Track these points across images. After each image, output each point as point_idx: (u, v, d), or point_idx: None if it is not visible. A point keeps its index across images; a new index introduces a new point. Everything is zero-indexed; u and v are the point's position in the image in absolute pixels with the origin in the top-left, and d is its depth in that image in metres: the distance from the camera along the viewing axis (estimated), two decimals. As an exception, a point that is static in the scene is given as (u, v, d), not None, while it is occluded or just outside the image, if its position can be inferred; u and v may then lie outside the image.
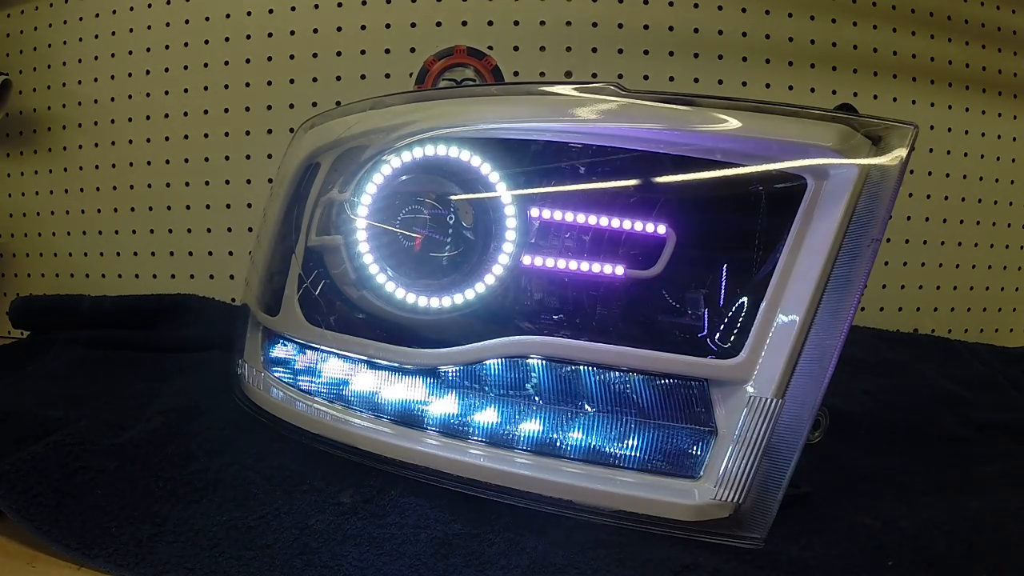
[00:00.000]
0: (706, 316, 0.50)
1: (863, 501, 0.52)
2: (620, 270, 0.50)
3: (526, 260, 0.51)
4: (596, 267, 0.51)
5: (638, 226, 0.51)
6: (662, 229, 0.50)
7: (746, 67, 0.87)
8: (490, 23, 0.84)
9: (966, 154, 0.94)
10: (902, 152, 0.44)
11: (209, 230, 0.91)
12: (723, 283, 0.50)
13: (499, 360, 0.51)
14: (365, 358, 0.55)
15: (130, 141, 0.91)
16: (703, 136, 0.46)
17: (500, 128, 0.51)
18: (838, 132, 0.44)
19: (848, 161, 0.45)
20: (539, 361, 0.50)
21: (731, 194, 0.50)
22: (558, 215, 0.51)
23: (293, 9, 0.86)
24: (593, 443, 0.49)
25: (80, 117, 0.92)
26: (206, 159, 0.91)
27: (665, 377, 0.48)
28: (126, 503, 0.46)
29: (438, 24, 0.84)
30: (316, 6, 0.85)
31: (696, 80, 0.85)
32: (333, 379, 0.57)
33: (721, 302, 0.50)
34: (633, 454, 0.49)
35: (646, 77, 0.84)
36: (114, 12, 0.90)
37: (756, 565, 0.43)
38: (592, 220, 0.51)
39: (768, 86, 0.87)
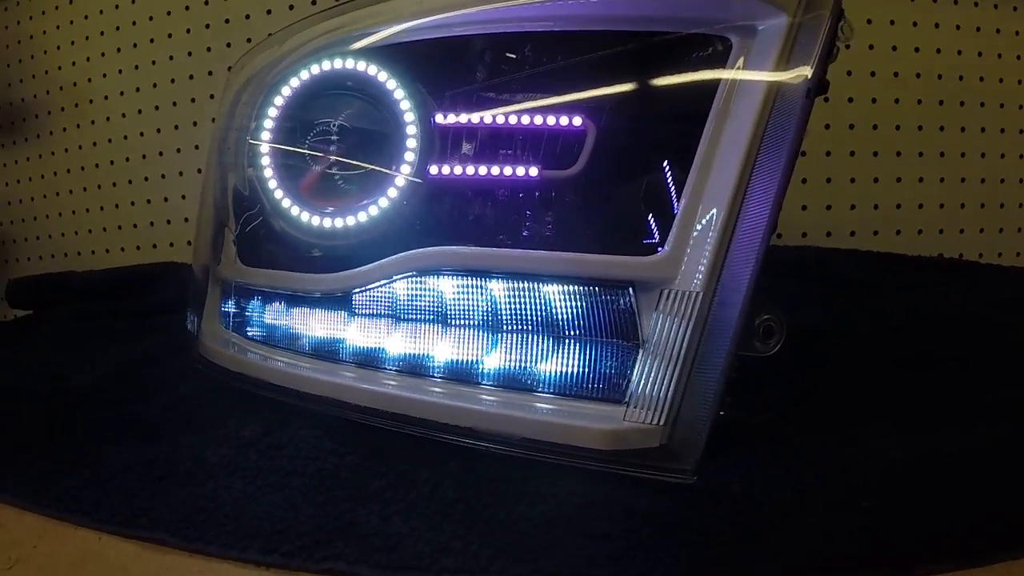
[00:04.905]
0: (632, 213, 0.44)
1: (840, 433, 0.43)
2: (534, 171, 0.45)
3: (433, 170, 0.47)
4: (508, 170, 0.46)
5: (551, 121, 0.45)
6: (578, 121, 0.45)
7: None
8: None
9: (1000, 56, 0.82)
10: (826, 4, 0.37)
11: (184, 196, 0.92)
12: (650, 175, 0.45)
13: (408, 281, 0.47)
14: (283, 291, 0.53)
15: (107, 118, 0.93)
16: (582, 4, 0.41)
17: (382, 31, 0.47)
18: None
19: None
20: (451, 281, 0.46)
21: (649, 72, 0.44)
22: (463, 119, 0.47)
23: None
24: (509, 366, 0.44)
25: (62, 101, 0.95)
26: (175, 127, 0.92)
27: (586, 284, 0.43)
28: (46, 441, 0.46)
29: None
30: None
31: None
32: (260, 318, 0.55)
33: (646, 196, 0.44)
34: (553, 377, 0.43)
35: None
36: (85, -6, 0.93)
37: (686, 503, 0.35)
38: (500, 120, 0.47)
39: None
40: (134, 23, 0.91)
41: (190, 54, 0.89)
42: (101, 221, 0.96)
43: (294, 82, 0.50)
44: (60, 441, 0.47)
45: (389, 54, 0.48)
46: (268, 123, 0.51)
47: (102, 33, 0.92)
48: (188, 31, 0.89)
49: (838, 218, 0.81)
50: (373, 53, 0.48)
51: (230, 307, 0.58)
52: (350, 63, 0.48)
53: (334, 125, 0.50)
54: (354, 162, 0.50)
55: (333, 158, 0.50)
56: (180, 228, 0.93)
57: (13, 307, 0.91)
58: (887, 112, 0.81)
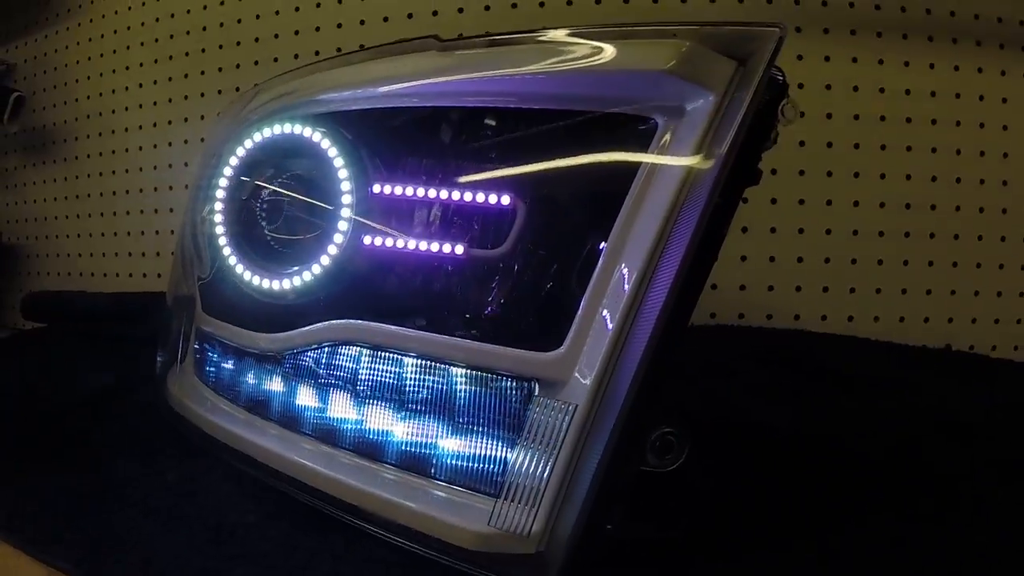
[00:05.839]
0: (551, 302, 0.42)
1: (750, 565, 0.39)
2: (460, 249, 0.44)
3: (367, 240, 0.47)
4: (435, 246, 0.45)
5: (480, 198, 0.44)
6: (507, 200, 0.43)
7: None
8: (435, 13, 0.81)
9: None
10: (753, 84, 0.34)
11: (187, 231, 0.95)
12: (576, 260, 0.43)
13: (329, 350, 0.46)
14: (230, 343, 0.54)
15: (126, 149, 0.98)
16: (508, 80, 0.39)
17: (331, 99, 0.48)
18: (672, 51, 0.35)
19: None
20: (366, 355, 0.45)
21: (576, 153, 0.42)
22: (399, 191, 0.47)
23: (258, 17, 0.89)
24: (407, 446, 0.43)
25: (88, 129, 1.01)
26: (185, 164, 0.95)
27: (489, 372, 0.41)
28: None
29: (385, 19, 0.83)
30: (277, 12, 0.88)
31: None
32: (213, 366, 0.56)
33: (572, 283, 0.42)
34: (444, 464, 0.42)
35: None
36: (115, 32, 0.98)
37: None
38: (433, 194, 0.46)
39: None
40: (156, 61, 0.96)
41: (203, 95, 0.93)
42: (115, 246, 1.01)
43: (247, 143, 0.52)
44: (13, 463, 0.50)
45: (337, 121, 0.48)
46: (223, 181, 0.53)
47: (127, 68, 0.98)
48: (203, 73, 0.93)
49: (836, 301, 0.76)
50: (321, 119, 0.48)
51: (191, 350, 0.59)
52: (297, 128, 0.49)
53: (279, 188, 0.51)
54: (303, 199, 0.50)
55: (285, 220, 0.51)
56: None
57: (27, 319, 0.97)
58: (893, 189, 0.76)
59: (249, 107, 0.55)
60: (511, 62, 0.40)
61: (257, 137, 0.51)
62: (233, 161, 0.52)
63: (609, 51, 0.38)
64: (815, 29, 0.73)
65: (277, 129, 0.50)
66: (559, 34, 0.39)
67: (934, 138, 0.75)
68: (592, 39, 0.38)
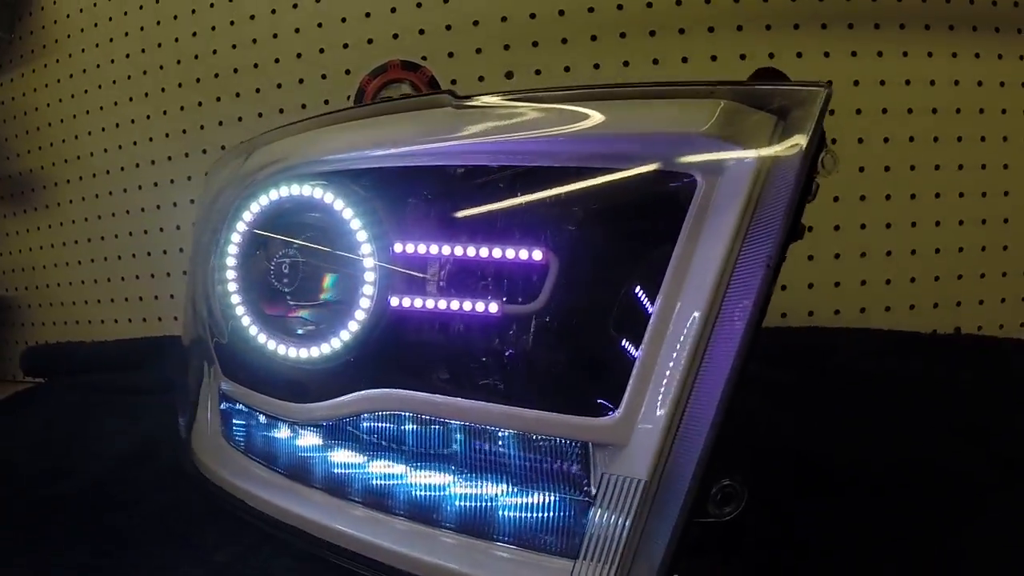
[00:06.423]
0: (591, 360, 0.42)
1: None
2: (494, 307, 0.44)
3: (394, 302, 0.46)
4: (468, 305, 0.44)
5: (511, 254, 0.43)
6: (539, 255, 0.43)
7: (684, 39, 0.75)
8: (421, 31, 0.79)
9: None
10: (801, 139, 0.34)
11: (185, 272, 0.92)
12: (615, 315, 0.42)
13: (368, 418, 0.46)
14: (258, 409, 0.52)
15: (110, 192, 0.95)
16: (543, 141, 0.39)
17: (343, 159, 0.46)
18: (709, 111, 0.35)
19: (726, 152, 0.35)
20: (408, 421, 0.45)
21: (614, 207, 0.41)
22: (423, 249, 0.46)
23: (234, 47, 0.86)
24: (464, 510, 0.43)
25: (68, 174, 0.97)
26: (174, 204, 0.93)
27: (539, 435, 0.41)
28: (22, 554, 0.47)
29: (369, 41, 0.80)
30: (254, 40, 0.84)
31: (655, 62, 0.75)
32: (242, 429, 0.55)
33: (611, 339, 0.42)
34: (509, 526, 0.42)
35: (596, 66, 0.75)
36: (84, 71, 0.94)
37: None
38: (459, 251, 0.45)
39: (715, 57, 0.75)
40: (131, 99, 0.92)
41: (184, 131, 0.90)
42: (108, 292, 0.98)
43: (254, 207, 0.50)
44: (26, 540, 0.48)
45: (350, 180, 0.47)
46: (232, 248, 0.51)
47: (101, 108, 0.94)
48: (182, 108, 0.89)
49: (847, 295, 0.77)
50: (334, 178, 0.47)
51: (215, 410, 0.58)
52: (307, 189, 0.48)
53: (294, 251, 0.50)
54: (317, 291, 0.49)
55: (292, 282, 0.50)
56: (182, 303, 0.94)
57: (27, 375, 0.94)
58: (897, 180, 0.76)
59: (248, 166, 0.53)
60: (540, 122, 0.39)
61: (264, 200, 0.49)
62: (241, 227, 0.50)
63: (642, 111, 0.37)
64: (814, 25, 0.72)
65: (285, 191, 0.48)
66: (589, 93, 0.38)
67: (935, 127, 0.75)
68: (625, 98, 0.37)
